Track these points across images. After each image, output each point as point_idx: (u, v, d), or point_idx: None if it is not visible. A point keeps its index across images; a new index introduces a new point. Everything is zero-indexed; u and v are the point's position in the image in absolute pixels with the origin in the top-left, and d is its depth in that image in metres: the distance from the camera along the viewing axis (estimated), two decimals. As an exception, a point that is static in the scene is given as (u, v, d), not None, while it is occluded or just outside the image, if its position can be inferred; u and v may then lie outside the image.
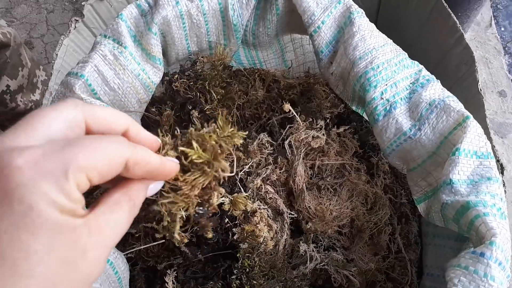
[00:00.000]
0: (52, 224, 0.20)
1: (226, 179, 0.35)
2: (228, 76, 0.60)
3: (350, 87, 0.51)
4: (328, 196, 0.54)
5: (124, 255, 0.44)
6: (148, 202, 0.31)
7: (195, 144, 0.31)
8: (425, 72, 0.49)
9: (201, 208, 0.34)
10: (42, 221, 0.19)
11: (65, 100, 0.24)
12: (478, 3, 1.09)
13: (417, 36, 0.68)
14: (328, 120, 0.58)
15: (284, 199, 0.55)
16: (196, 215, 0.34)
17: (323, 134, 0.54)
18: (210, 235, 0.35)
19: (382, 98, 0.47)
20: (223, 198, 0.40)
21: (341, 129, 0.57)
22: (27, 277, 0.19)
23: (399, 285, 0.55)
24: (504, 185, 0.43)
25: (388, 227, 0.56)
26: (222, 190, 0.34)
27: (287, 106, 0.53)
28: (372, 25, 0.51)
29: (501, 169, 0.46)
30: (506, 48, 1.39)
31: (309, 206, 0.53)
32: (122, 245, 0.47)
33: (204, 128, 0.33)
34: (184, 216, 0.32)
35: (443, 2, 0.61)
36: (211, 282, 0.47)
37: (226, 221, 0.50)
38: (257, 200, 0.53)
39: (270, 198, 0.53)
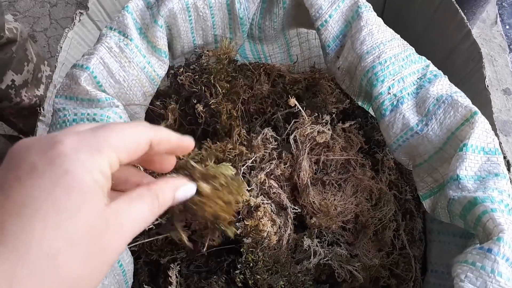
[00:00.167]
0: (85, 188, 0.22)
1: None
2: (233, 70, 0.60)
3: (356, 82, 0.51)
4: (332, 191, 0.54)
5: (127, 248, 0.44)
6: None
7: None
8: (432, 67, 0.48)
9: None
10: (76, 184, 0.22)
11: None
12: (484, 1, 1.08)
13: (423, 32, 0.67)
14: (333, 115, 0.58)
15: (288, 194, 0.54)
16: None
17: (329, 129, 0.54)
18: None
19: (389, 93, 0.46)
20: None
21: (347, 124, 0.56)
22: (54, 229, 0.21)
23: (403, 282, 0.55)
24: (511, 181, 0.43)
25: (393, 223, 0.55)
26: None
27: (293, 101, 0.52)
28: (380, 20, 0.50)
29: (508, 165, 0.46)
30: (511, 46, 1.38)
31: (313, 201, 0.53)
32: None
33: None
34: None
35: (451, -3, 0.60)
36: (214, 277, 0.47)
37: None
38: (260, 195, 0.53)
39: (274, 193, 0.53)
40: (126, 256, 0.37)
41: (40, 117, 0.62)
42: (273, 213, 0.51)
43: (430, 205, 0.48)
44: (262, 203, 0.52)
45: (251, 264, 0.46)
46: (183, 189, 0.30)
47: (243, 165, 0.53)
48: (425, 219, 0.60)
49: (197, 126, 0.58)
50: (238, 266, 0.46)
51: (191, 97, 0.56)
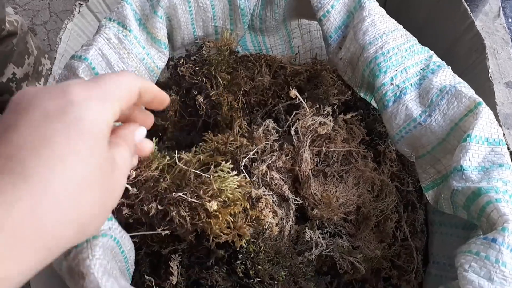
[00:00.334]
0: (96, 134, 0.24)
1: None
2: (234, 61, 0.59)
3: (359, 73, 0.50)
4: (334, 183, 0.54)
5: (129, 235, 0.44)
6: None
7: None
8: (435, 58, 0.48)
9: None
10: (89, 130, 0.24)
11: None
12: (486, -7, 1.07)
13: (426, 23, 0.67)
14: (335, 107, 0.58)
15: (289, 185, 0.54)
16: None
17: (330, 121, 0.54)
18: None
19: (392, 84, 0.46)
20: None
21: (349, 116, 0.56)
22: (72, 169, 0.23)
23: (404, 273, 0.55)
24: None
25: (394, 214, 0.55)
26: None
27: (294, 92, 0.52)
28: (382, 10, 0.50)
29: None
30: (514, 39, 1.37)
31: (315, 193, 0.52)
32: (127, 230, 0.47)
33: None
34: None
35: (454, -13, 0.60)
36: (215, 267, 0.47)
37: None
38: (262, 187, 0.52)
39: (276, 184, 0.53)
40: (127, 242, 0.37)
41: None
42: (275, 205, 0.51)
43: (433, 197, 0.48)
44: (264, 194, 0.51)
45: (252, 255, 0.46)
46: (137, 132, 0.33)
47: (245, 157, 0.53)
48: (427, 210, 0.60)
49: (198, 118, 0.57)
50: (239, 256, 0.46)
51: (192, 89, 0.56)
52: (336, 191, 0.53)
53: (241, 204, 0.37)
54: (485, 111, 0.42)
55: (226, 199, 0.35)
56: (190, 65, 0.56)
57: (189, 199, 0.35)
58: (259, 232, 0.47)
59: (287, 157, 0.54)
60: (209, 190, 0.35)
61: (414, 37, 0.49)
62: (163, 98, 0.35)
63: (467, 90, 0.44)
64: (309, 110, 0.54)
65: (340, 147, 0.55)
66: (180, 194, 0.36)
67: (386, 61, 0.46)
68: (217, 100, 0.55)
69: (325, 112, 0.54)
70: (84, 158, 0.23)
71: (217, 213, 0.35)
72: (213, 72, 0.55)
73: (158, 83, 0.58)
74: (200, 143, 0.51)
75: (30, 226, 0.20)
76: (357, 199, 0.53)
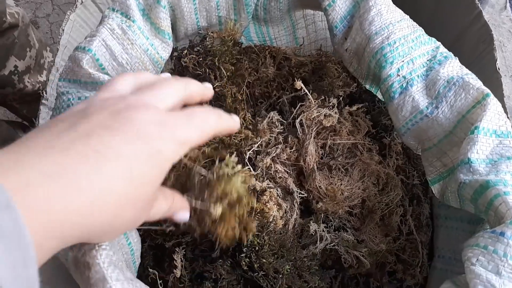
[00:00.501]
0: (164, 168, 0.27)
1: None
2: (238, 52, 0.58)
3: (365, 64, 0.50)
4: (339, 176, 0.53)
5: (135, 229, 0.44)
6: None
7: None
8: (442, 49, 0.47)
9: None
10: (163, 163, 0.27)
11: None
12: (494, -16, 1.05)
13: (433, 13, 0.65)
14: (340, 99, 0.57)
15: (294, 178, 0.54)
16: None
17: (335, 113, 0.53)
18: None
19: (398, 75, 0.45)
20: None
21: (354, 108, 0.55)
22: (137, 177, 0.25)
23: (409, 267, 0.54)
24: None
25: (400, 208, 0.55)
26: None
27: (299, 84, 0.51)
28: (389, 0, 0.49)
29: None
30: (520, 32, 1.35)
31: (319, 186, 0.52)
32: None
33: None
34: None
35: (462, -23, 0.58)
36: (220, 260, 0.47)
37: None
38: (266, 179, 0.52)
39: (280, 177, 0.53)
40: (134, 235, 0.37)
41: (43, 101, 0.62)
42: (279, 198, 0.51)
43: (439, 190, 0.47)
44: (268, 187, 0.51)
45: (257, 248, 0.45)
46: (183, 213, 0.34)
47: (249, 150, 0.52)
48: (432, 204, 0.60)
49: (202, 110, 0.57)
50: (244, 249, 0.45)
51: (195, 80, 0.55)
52: (341, 184, 0.52)
53: (247, 202, 0.36)
54: (493, 103, 0.41)
55: (232, 199, 0.35)
56: (194, 56, 0.55)
57: (193, 204, 0.35)
58: (264, 225, 0.47)
59: (292, 150, 0.54)
60: (214, 193, 0.34)
61: (420, 28, 0.48)
62: (208, 92, 0.36)
63: (475, 81, 0.43)
64: (314, 102, 0.53)
65: (345, 139, 0.54)
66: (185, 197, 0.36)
67: (393, 52, 0.46)
68: (221, 91, 0.54)
69: (330, 104, 0.54)
70: (148, 183, 0.26)
71: (223, 216, 0.35)
72: (216, 63, 0.55)
73: (161, 75, 0.58)
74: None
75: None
76: (362, 193, 0.53)
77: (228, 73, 0.55)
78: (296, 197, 0.52)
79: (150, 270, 0.45)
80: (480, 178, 0.37)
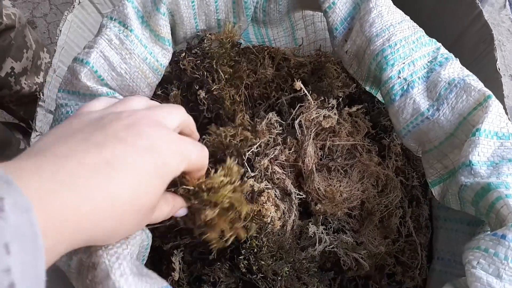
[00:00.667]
0: (166, 178, 0.29)
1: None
2: (237, 54, 0.58)
3: (365, 66, 0.49)
4: (338, 177, 0.53)
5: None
6: None
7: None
8: (443, 50, 0.47)
9: None
10: (168, 173, 0.29)
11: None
12: (493, -17, 1.05)
13: (433, 13, 0.65)
14: (340, 100, 0.57)
15: (292, 180, 0.53)
16: None
17: (335, 114, 0.53)
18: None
19: (399, 77, 0.45)
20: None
21: (354, 109, 0.55)
22: (135, 184, 0.27)
23: (408, 269, 0.54)
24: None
25: (399, 210, 0.55)
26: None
27: (298, 84, 0.51)
28: (389, 1, 0.49)
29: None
30: (519, 31, 1.35)
31: (318, 188, 0.52)
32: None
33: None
34: None
35: (462, -23, 0.58)
36: (218, 263, 0.47)
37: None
38: (264, 180, 0.52)
39: (278, 178, 0.52)
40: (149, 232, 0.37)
41: (40, 103, 0.61)
42: (277, 198, 0.50)
43: (439, 192, 0.47)
44: (266, 187, 0.51)
45: (255, 250, 0.45)
46: (182, 210, 0.36)
47: (248, 151, 0.52)
48: (431, 205, 0.59)
49: (200, 113, 0.56)
50: (242, 251, 0.45)
51: (193, 83, 0.55)
52: (340, 186, 0.52)
53: (241, 208, 0.37)
54: (495, 105, 0.41)
55: (223, 206, 0.36)
56: (192, 58, 0.55)
57: (190, 202, 0.35)
58: (262, 226, 0.47)
59: (291, 151, 0.54)
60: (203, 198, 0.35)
61: (421, 29, 0.48)
62: (195, 137, 0.39)
63: (476, 83, 0.43)
64: (314, 103, 0.53)
65: (344, 140, 0.54)
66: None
67: (394, 54, 0.45)
68: (219, 94, 0.54)
69: (330, 105, 0.53)
70: (150, 192, 0.28)
71: (212, 220, 0.36)
72: (214, 66, 0.54)
73: (160, 77, 0.57)
74: (204, 136, 0.50)
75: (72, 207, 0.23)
76: (362, 194, 0.53)
77: (226, 76, 0.55)
78: (294, 198, 0.51)
79: (148, 273, 0.44)
80: (482, 180, 0.37)
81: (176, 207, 0.35)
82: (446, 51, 0.47)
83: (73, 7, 0.66)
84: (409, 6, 0.54)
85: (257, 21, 0.62)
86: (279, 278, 0.45)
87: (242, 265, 0.45)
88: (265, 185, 0.51)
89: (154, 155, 0.28)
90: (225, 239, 0.38)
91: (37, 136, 0.60)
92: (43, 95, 0.61)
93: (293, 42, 0.68)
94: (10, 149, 0.93)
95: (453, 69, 0.44)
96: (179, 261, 0.45)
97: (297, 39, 0.68)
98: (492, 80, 0.53)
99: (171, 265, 0.45)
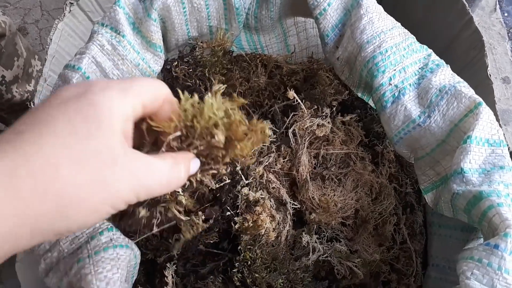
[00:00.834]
0: (103, 119, 0.24)
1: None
2: (229, 61, 0.58)
3: (356, 73, 0.49)
4: (332, 186, 0.53)
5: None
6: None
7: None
8: (434, 56, 0.47)
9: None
10: (95, 114, 0.24)
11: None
12: (483, -13, 1.06)
13: (423, 19, 0.65)
14: (333, 108, 0.57)
15: (287, 189, 0.53)
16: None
17: (328, 122, 0.53)
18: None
19: (390, 84, 0.45)
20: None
21: (347, 118, 0.55)
22: (63, 146, 0.23)
23: (403, 276, 0.54)
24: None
25: (393, 217, 0.54)
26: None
27: (292, 93, 0.51)
28: (380, 7, 0.49)
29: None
30: (510, 34, 1.36)
31: (313, 197, 0.51)
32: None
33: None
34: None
35: (452, -17, 0.58)
36: (211, 277, 0.46)
37: (227, 211, 0.49)
38: (260, 189, 0.51)
39: (273, 187, 0.52)
40: (135, 248, 0.36)
41: (31, 112, 0.60)
42: (272, 209, 0.50)
43: (432, 199, 0.47)
44: (262, 197, 0.50)
45: (249, 262, 0.45)
46: (194, 163, 0.30)
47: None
48: (425, 212, 0.59)
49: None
50: (236, 264, 0.44)
51: (185, 91, 0.54)
52: (334, 195, 0.52)
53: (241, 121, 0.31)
54: (485, 112, 0.41)
55: (223, 120, 0.30)
56: (184, 67, 0.55)
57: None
58: (256, 238, 0.46)
59: (285, 160, 0.53)
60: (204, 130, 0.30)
61: (412, 35, 0.48)
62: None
63: (467, 89, 0.43)
64: (307, 111, 0.53)
65: (338, 149, 0.54)
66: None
67: (384, 61, 0.45)
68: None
69: (323, 113, 0.53)
70: (79, 140, 0.23)
71: (228, 137, 0.30)
72: (207, 74, 0.54)
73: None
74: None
75: (4, 189, 0.21)
76: (356, 203, 0.52)
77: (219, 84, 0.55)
78: (289, 208, 0.51)
79: (140, 287, 0.44)
80: (473, 188, 0.37)
81: (179, 160, 0.29)
82: (437, 57, 0.47)
83: (64, 16, 0.65)
84: (399, 13, 0.54)
85: (249, 28, 0.62)
86: (273, 289, 0.44)
87: (236, 278, 0.44)
88: (260, 194, 0.50)
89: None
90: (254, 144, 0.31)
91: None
92: (33, 104, 0.61)
93: (286, 49, 0.68)
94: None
95: (444, 75, 0.44)
96: (172, 274, 0.45)
97: (289, 46, 0.68)
98: (483, 86, 0.53)
99: (164, 278, 0.44)
